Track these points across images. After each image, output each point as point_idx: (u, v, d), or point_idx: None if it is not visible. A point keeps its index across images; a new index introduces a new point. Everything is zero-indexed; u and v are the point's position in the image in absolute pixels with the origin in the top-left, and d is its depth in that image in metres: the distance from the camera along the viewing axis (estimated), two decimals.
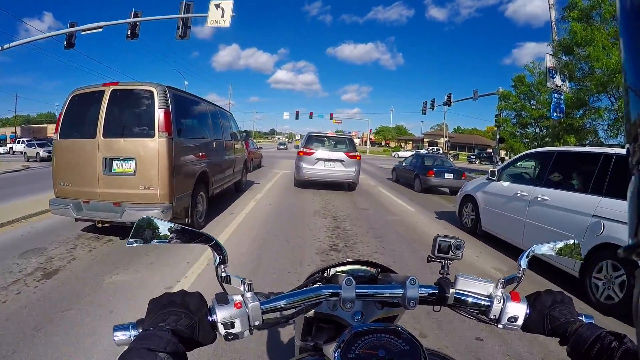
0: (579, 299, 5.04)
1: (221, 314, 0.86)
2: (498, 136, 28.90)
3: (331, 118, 61.59)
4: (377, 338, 0.89)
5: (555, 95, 15.56)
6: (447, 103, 38.43)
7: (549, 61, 15.37)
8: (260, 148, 24.69)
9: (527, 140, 25.62)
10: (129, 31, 19.07)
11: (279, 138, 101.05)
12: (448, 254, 1.09)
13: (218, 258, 0.92)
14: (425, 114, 42.70)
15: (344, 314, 1.12)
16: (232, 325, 0.87)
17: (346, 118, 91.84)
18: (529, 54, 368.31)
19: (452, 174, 16.62)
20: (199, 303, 0.86)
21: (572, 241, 1.17)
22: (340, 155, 14.09)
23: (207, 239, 0.91)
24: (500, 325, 1.01)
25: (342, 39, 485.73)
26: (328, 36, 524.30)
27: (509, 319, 1.00)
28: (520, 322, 1.00)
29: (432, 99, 41.00)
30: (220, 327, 0.86)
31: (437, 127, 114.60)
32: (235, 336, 0.88)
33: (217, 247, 0.92)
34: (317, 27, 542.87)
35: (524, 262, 1.08)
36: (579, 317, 0.97)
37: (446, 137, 77.64)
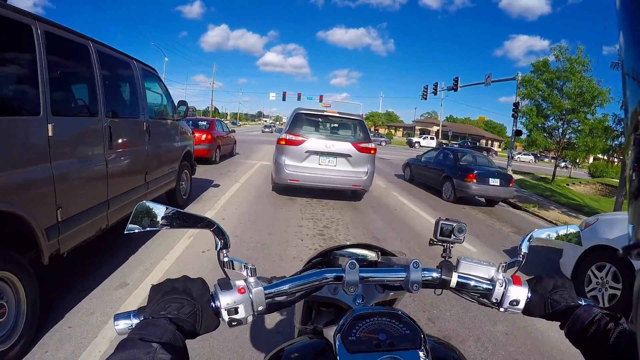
0: None
1: (224, 300, 0.85)
2: (515, 128, 25.42)
3: (321, 101, 57.03)
4: (378, 321, 0.91)
5: None
6: (454, 88, 34.44)
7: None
8: (233, 131, 19.46)
9: (546, 134, 22.51)
10: None
11: (265, 121, 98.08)
12: (450, 237, 1.10)
13: (220, 243, 0.91)
14: (426, 99, 39.27)
15: (344, 297, 1.14)
16: (236, 311, 0.86)
17: (336, 102, 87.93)
18: (520, 47, 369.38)
19: (499, 180, 12.18)
20: (201, 289, 0.85)
21: (572, 227, 1.19)
22: (346, 146, 9.15)
23: (209, 224, 0.89)
24: (501, 309, 1.02)
25: (333, 23, 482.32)
26: (319, 19, 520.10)
27: (511, 303, 1.01)
28: (521, 305, 1.01)
29: (434, 83, 37.70)
30: (224, 313, 0.85)
31: (428, 115, 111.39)
32: (239, 322, 0.87)
33: (219, 232, 0.90)
34: (308, 9, 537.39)
35: (525, 246, 1.08)
36: (579, 302, 0.99)
37: (441, 125, 73.93)
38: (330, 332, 0.94)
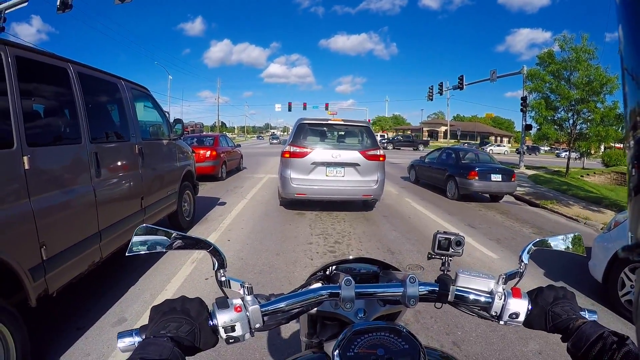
0: None
1: (222, 318, 0.87)
2: (524, 123, 25.89)
3: (326, 109, 56.95)
4: (376, 336, 0.91)
5: None
6: (459, 86, 34.69)
7: None
8: (239, 146, 19.23)
9: (556, 127, 22.15)
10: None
11: (273, 133, 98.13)
12: (448, 250, 1.11)
13: (217, 263, 0.94)
14: (432, 99, 39.51)
15: (345, 312, 1.08)
16: (233, 329, 0.88)
17: (342, 109, 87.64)
18: (522, 40, 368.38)
19: (500, 175, 12.35)
20: (199, 308, 0.87)
21: (573, 234, 1.18)
22: (353, 155, 8.78)
23: (206, 245, 0.93)
24: (501, 322, 1.01)
25: (334, 31, 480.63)
26: (320, 28, 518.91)
27: (510, 316, 1.00)
28: (521, 318, 1.00)
29: (439, 83, 38.35)
30: (221, 331, 0.87)
31: (435, 116, 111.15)
32: (237, 339, 0.89)
33: (216, 252, 0.93)
34: (309, 19, 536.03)
35: (525, 257, 1.08)
36: (582, 313, 0.99)
37: (448, 125, 73.52)
38: (330, 347, 0.95)
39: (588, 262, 5.39)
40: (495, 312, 1.01)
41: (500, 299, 1.00)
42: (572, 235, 1.17)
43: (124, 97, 5.19)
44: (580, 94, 19.83)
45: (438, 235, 1.11)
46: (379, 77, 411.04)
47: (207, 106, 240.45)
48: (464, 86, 34.59)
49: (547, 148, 60.29)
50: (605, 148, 37.88)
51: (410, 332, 0.94)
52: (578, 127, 21.34)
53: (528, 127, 25.46)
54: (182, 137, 7.38)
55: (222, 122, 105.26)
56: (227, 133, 59.51)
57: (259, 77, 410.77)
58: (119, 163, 4.76)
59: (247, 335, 0.89)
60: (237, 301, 0.90)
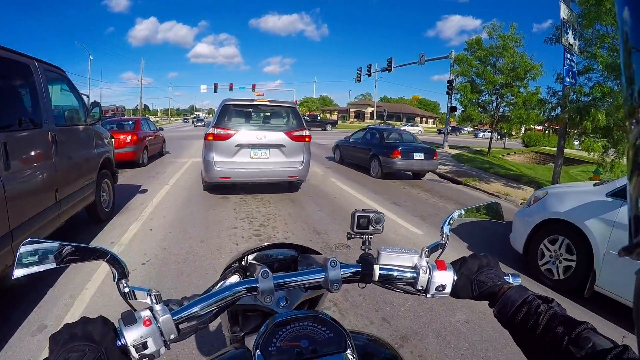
0: None
1: (130, 336, 0.77)
2: (449, 104, 26.97)
3: (253, 90, 55.65)
4: (299, 327, 0.88)
5: (568, 55, 11.73)
6: (388, 69, 35.33)
7: (563, 12, 11.45)
8: (161, 129, 18.58)
9: (480, 109, 23.97)
10: None
11: (197, 115, 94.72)
12: (368, 228, 1.08)
13: (117, 273, 0.85)
14: (360, 81, 40.15)
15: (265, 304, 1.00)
16: (145, 346, 0.78)
17: (269, 90, 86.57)
18: (453, 26, 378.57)
19: (423, 154, 13.15)
20: (103, 329, 0.76)
21: (491, 202, 1.23)
22: (278, 136, 8.74)
23: (103, 254, 0.83)
24: (428, 295, 1.02)
25: (265, 10, 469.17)
26: (251, 7, 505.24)
27: (437, 288, 1.00)
28: (448, 289, 1.01)
29: (368, 65, 39.18)
30: (132, 351, 0.77)
31: (362, 97, 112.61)
32: (151, 356, 0.79)
33: (115, 261, 0.84)
34: None
35: (446, 228, 1.10)
36: (506, 278, 1.00)
37: (375, 106, 74.75)
38: (252, 341, 0.90)
39: (509, 235, 5.81)
40: (422, 286, 1.02)
41: (425, 272, 1.01)
42: (490, 204, 1.22)
43: (37, 80, 4.76)
44: (504, 79, 21.45)
45: (356, 214, 1.09)
46: (308, 58, 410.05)
47: (130, 88, 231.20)
48: (393, 68, 35.37)
49: (470, 129, 62.95)
50: (525, 130, 40.33)
51: (334, 319, 0.93)
52: (501, 109, 23.06)
53: (453, 109, 26.88)
54: (100, 122, 7.01)
55: (145, 104, 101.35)
56: (150, 116, 57.32)
57: (185, 57, 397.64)
58: (31, 153, 4.40)
59: (163, 350, 0.81)
60: (145, 313, 0.81)
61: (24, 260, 0.76)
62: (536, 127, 28.58)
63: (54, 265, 0.78)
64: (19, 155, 4.12)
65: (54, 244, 0.79)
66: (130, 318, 0.79)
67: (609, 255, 4.47)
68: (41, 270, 0.78)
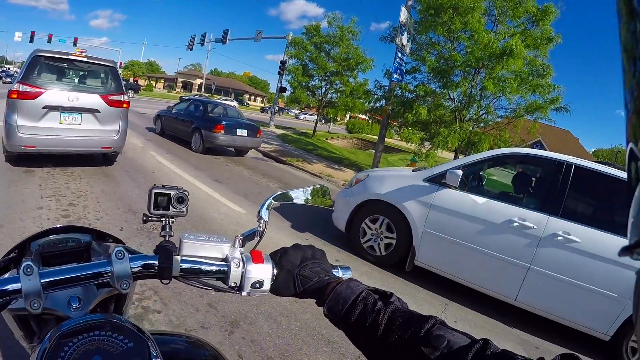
0: None
1: None
2: (279, 85, 27.68)
3: (75, 44, 50.13)
4: (91, 338, 0.71)
5: (399, 54, 12.87)
6: (223, 40, 35.26)
7: (403, 15, 12.52)
8: None
9: (309, 93, 25.33)
10: None
11: (8, 68, 79.26)
12: (169, 209, 0.92)
13: None
14: (192, 49, 39.68)
15: (53, 302, 0.81)
16: None
17: (93, 47, 78.64)
18: (296, 10, 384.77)
19: (246, 130, 13.03)
20: None
21: (318, 186, 1.14)
22: (93, 99, 7.67)
23: None
24: (244, 293, 0.86)
25: None
26: None
27: (253, 285, 0.84)
28: (267, 286, 0.86)
29: (202, 34, 37.66)
30: None
31: (192, 67, 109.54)
32: None
33: None
34: None
35: (264, 213, 0.96)
36: (334, 272, 0.91)
37: (204, 78, 73.15)
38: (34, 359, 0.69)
39: (331, 214, 6.03)
40: (235, 282, 0.86)
41: (238, 266, 0.85)
42: (317, 187, 1.13)
43: None
44: (336, 67, 23.02)
45: (154, 191, 0.92)
46: (140, 17, 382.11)
47: None
48: (228, 41, 35.19)
49: (297, 111, 65.08)
50: (350, 117, 43.41)
51: (135, 324, 0.79)
52: (329, 95, 24.52)
53: (282, 90, 27.84)
54: None
55: None
56: None
57: None
58: None
59: None
60: None
61: None
62: (360, 115, 30.99)
63: None
64: None
65: None
66: None
67: (426, 234, 5.06)
68: None
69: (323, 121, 28.35)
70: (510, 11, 11.85)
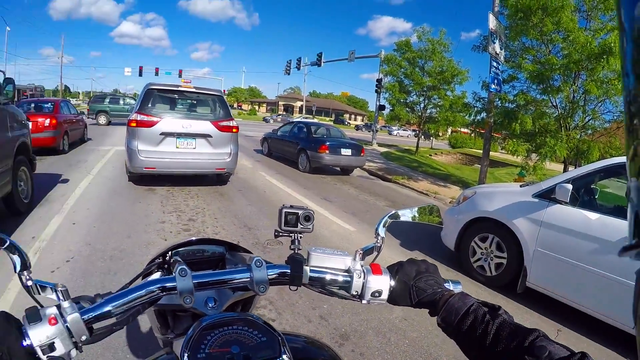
0: None
1: (36, 336, 0.67)
2: (378, 103, 27.51)
3: (180, 76, 53.22)
4: (230, 331, 0.85)
5: (494, 63, 12.21)
6: (318, 63, 35.43)
7: (492, 23, 11.93)
8: (83, 113, 17.64)
9: (408, 109, 24.76)
10: None
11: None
12: (297, 226, 1.02)
13: (18, 263, 0.75)
14: (289, 74, 40.26)
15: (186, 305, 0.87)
16: (52, 348, 0.68)
17: (197, 77, 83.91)
18: (384, 27, 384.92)
19: (350, 150, 13.31)
20: (4, 327, 0.66)
21: (429, 205, 1.21)
22: (205, 126, 8.47)
23: (1, 241, 0.73)
24: (364, 301, 0.97)
25: None
26: None
27: (373, 294, 0.95)
28: (385, 295, 0.96)
29: (298, 58, 38.86)
30: (39, 352, 0.67)
31: (291, 90, 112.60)
32: (61, 359, 0.69)
33: (14, 250, 0.74)
34: None
35: (381, 230, 1.06)
36: (446, 285, 0.97)
37: (304, 100, 74.91)
38: (179, 346, 0.84)
39: (440, 233, 5.94)
40: (356, 291, 0.96)
41: (360, 276, 0.96)
42: (428, 206, 1.19)
43: None
44: (432, 82, 22.28)
45: (284, 210, 1.02)
46: (238, 47, 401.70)
47: (50, 66, 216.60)
48: (322, 63, 35.48)
49: (398, 129, 64.61)
50: (452, 131, 42.41)
51: (267, 322, 0.91)
52: (428, 110, 24.02)
53: (381, 108, 27.72)
54: (14, 102, 6.43)
55: (65, 85, 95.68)
56: (71, 99, 54.21)
57: (109, 36, 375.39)
58: None
59: (74, 352, 0.72)
60: (51, 310, 0.71)
61: None
62: (462, 129, 30.06)
63: None
64: None
65: None
66: (34, 316, 0.70)
67: (538, 253, 4.72)
68: None
69: (423, 137, 27.91)
70: (602, 4, 10.98)
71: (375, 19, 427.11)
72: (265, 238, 5.98)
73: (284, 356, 0.83)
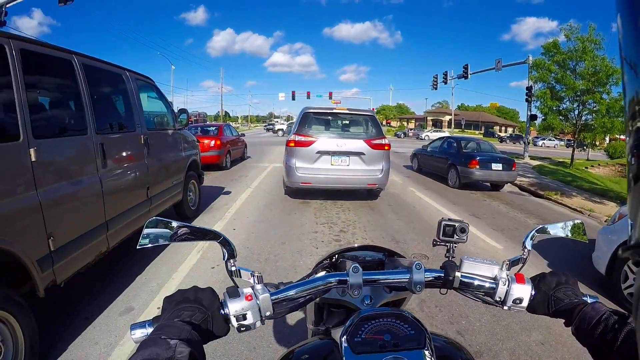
0: None
1: (233, 307, 0.89)
2: (529, 113, 25.52)
3: (330, 98, 55.87)
4: (383, 322, 0.93)
5: None
6: (464, 76, 34.17)
7: None
8: (243, 135, 19.22)
9: (561, 118, 21.93)
10: None
11: (275, 122, 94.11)
12: (453, 237, 1.12)
13: (227, 253, 0.95)
14: (436, 88, 39.16)
15: (352, 298, 1.13)
16: (244, 317, 0.90)
17: (346, 98, 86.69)
18: (528, 29, 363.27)
19: (501, 164, 12.49)
20: (211, 298, 0.89)
21: (575, 221, 1.19)
22: (358, 144, 8.74)
23: (216, 235, 0.94)
24: (505, 307, 1.03)
25: (338, 19, 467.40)
26: (324, 16, 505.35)
27: (514, 301, 1.02)
28: (525, 303, 1.02)
29: (444, 72, 38.04)
30: (233, 320, 0.89)
31: (439, 105, 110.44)
32: (248, 327, 0.91)
33: (226, 243, 0.94)
34: (312, 7, 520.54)
35: (528, 243, 1.10)
36: (584, 298, 0.99)
37: (453, 114, 73.08)
38: (337, 333, 0.96)
39: (592, 254, 5.34)
40: (499, 297, 1.03)
41: (504, 284, 1.02)
42: (574, 222, 1.19)
43: (129, 88, 5.18)
44: (585, 85, 19.56)
45: (443, 222, 1.12)
46: (383, 66, 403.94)
47: (211, 96, 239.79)
48: (469, 75, 34.17)
49: (541, 138, 59.65)
50: (610, 140, 37.69)
51: (416, 318, 0.96)
52: (583, 118, 21.02)
53: (533, 117, 25.25)
54: (186, 127, 7.37)
55: (225, 111, 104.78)
56: (230, 122, 59.04)
57: (262, 66, 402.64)
58: (125, 153, 4.77)
59: (258, 324, 0.92)
60: (248, 290, 0.92)
61: (148, 234, 0.90)
62: (621, 136, 26.34)
63: (172, 241, 0.91)
64: (114, 155, 4.47)
65: (174, 223, 0.91)
66: (234, 292, 0.90)
67: None
68: (160, 244, 0.91)
69: (577, 147, 25.29)
70: None
71: (518, 22, 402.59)
72: (412, 252, 5.99)
73: (427, 348, 0.90)
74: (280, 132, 51.39)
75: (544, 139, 58.04)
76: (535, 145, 55.14)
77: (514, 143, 58.78)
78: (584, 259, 5.76)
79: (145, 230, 0.89)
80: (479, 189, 12.81)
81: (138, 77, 5.61)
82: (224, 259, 0.95)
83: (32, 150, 3.02)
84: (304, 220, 7.46)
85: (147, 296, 4.25)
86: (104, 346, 3.34)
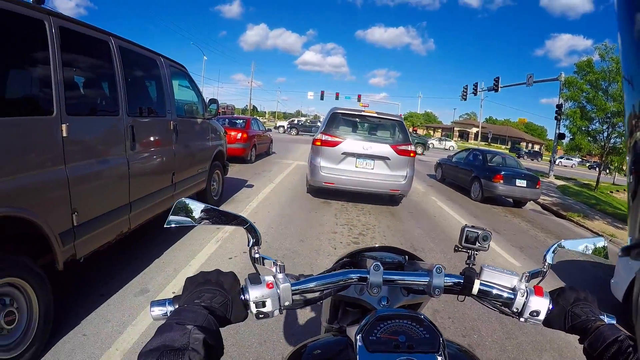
0: None
1: (253, 293, 0.89)
2: (557, 131, 24.96)
3: (359, 100, 55.34)
4: (399, 324, 0.93)
5: None
6: (494, 88, 33.86)
7: None
8: (269, 130, 19.32)
9: (590, 138, 21.43)
10: None
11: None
12: (475, 244, 1.12)
13: (252, 240, 0.95)
14: (465, 99, 39.10)
15: (370, 298, 1.16)
16: (264, 305, 0.89)
17: (374, 102, 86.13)
18: (562, 46, 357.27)
19: (525, 181, 12.21)
20: (232, 282, 0.89)
21: (597, 238, 1.18)
22: (384, 148, 8.65)
23: (242, 221, 0.94)
24: (522, 319, 1.03)
25: (372, 22, 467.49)
26: (358, 18, 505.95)
27: (531, 313, 1.01)
28: (542, 316, 1.01)
29: (474, 83, 37.67)
30: (252, 306, 0.89)
31: (467, 116, 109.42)
32: (266, 315, 0.90)
33: (252, 230, 0.95)
34: (347, 8, 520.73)
35: (549, 257, 1.09)
36: (601, 317, 0.98)
37: (480, 126, 72.30)
38: (352, 331, 0.97)
39: (610, 280, 5.24)
40: (517, 308, 1.02)
41: (523, 296, 1.01)
42: (596, 239, 1.18)
43: (162, 74, 5.25)
44: (617, 107, 19.17)
45: (466, 229, 1.12)
46: (413, 73, 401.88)
47: (240, 89, 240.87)
48: (499, 88, 33.82)
49: (560, 157, 58.29)
50: None
51: (432, 322, 0.95)
52: (612, 140, 20.53)
53: (561, 136, 24.67)
54: (215, 117, 7.42)
55: (254, 105, 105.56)
56: (258, 117, 58.98)
57: (293, 64, 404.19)
58: (154, 138, 4.83)
59: (276, 312, 0.91)
60: (269, 278, 0.91)
61: (176, 214, 0.90)
62: None
63: (199, 223, 0.91)
64: (143, 139, 4.53)
65: (202, 205, 0.91)
66: (256, 279, 0.90)
67: None
68: (187, 224, 0.91)
69: (602, 170, 24.70)
70: None
71: (553, 37, 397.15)
72: (429, 261, 5.81)
73: (440, 356, 0.89)
74: (281, 129, 51.23)
75: (561, 158, 56.88)
76: (553, 163, 54.02)
77: (532, 160, 57.81)
78: (602, 283, 5.66)
79: (173, 210, 0.90)
80: (501, 204, 12.64)
81: (172, 64, 5.67)
82: (248, 245, 0.95)
83: (64, 126, 3.07)
84: (324, 220, 7.45)
85: (163, 280, 4.29)
86: (116, 324, 3.38)
